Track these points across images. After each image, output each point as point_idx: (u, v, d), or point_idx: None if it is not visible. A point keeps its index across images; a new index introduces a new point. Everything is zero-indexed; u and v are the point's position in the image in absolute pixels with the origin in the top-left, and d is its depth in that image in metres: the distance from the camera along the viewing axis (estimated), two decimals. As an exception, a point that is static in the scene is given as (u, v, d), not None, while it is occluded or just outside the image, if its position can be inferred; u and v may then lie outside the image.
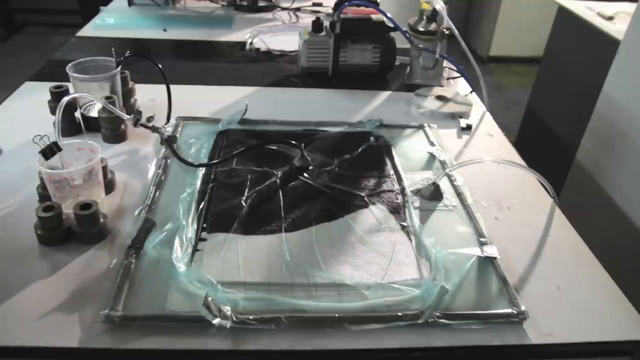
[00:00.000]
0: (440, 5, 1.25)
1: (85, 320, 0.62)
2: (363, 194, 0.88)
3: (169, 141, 0.95)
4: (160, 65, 1.03)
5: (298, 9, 1.86)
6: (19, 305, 0.64)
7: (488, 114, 1.22)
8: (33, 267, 0.70)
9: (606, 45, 1.63)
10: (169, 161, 0.94)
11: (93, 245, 0.74)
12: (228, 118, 1.07)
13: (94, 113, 1.02)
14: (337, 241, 0.78)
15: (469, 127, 1.14)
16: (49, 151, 0.75)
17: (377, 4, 1.31)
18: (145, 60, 1.03)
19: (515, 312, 0.66)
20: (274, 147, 0.99)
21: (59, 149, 0.76)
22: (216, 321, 0.61)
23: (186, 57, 1.49)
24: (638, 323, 0.68)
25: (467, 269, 0.73)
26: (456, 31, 1.26)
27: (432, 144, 1.05)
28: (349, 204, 0.86)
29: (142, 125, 0.97)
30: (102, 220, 0.75)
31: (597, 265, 0.78)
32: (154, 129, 0.96)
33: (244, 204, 0.84)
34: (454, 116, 1.18)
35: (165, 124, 1.03)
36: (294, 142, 0.95)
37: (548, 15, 2.27)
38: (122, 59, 1.02)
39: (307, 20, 1.73)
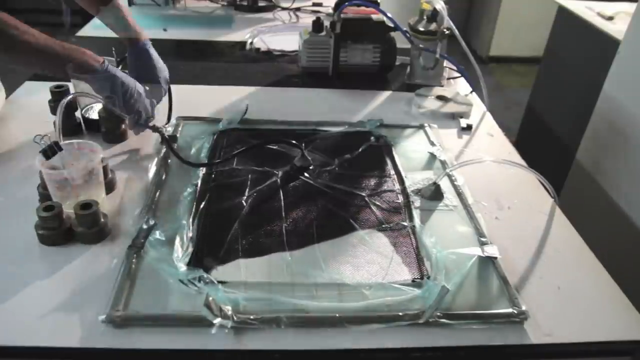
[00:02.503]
0: (440, 5, 1.25)
1: (85, 320, 0.62)
2: (364, 194, 0.88)
3: (170, 141, 0.95)
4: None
5: (298, 9, 1.86)
6: (19, 305, 0.64)
7: (488, 114, 1.22)
8: (33, 267, 0.70)
9: (606, 45, 1.63)
10: (169, 161, 0.94)
11: (93, 245, 0.74)
12: (228, 118, 1.07)
13: (94, 115, 1.02)
14: (338, 241, 0.78)
15: (469, 127, 1.14)
16: (50, 151, 0.75)
17: (378, 4, 1.31)
18: (146, 60, 1.03)
19: (515, 312, 0.67)
20: (275, 147, 0.99)
21: (60, 149, 0.76)
22: (217, 321, 0.61)
23: (186, 57, 1.49)
24: (638, 323, 0.68)
25: (468, 268, 0.73)
26: (456, 31, 1.26)
27: (432, 143, 1.05)
28: (349, 203, 0.86)
29: (142, 125, 0.96)
30: (102, 220, 0.75)
31: (598, 265, 0.78)
32: (155, 129, 0.96)
33: (245, 204, 0.84)
34: (454, 116, 1.18)
35: (166, 124, 1.03)
36: (294, 142, 0.95)
37: (548, 15, 2.27)
38: (121, 59, 1.02)
39: (307, 20, 1.73)
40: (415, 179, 0.93)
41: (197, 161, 0.94)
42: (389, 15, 1.29)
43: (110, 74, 0.88)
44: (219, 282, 0.67)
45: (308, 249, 0.76)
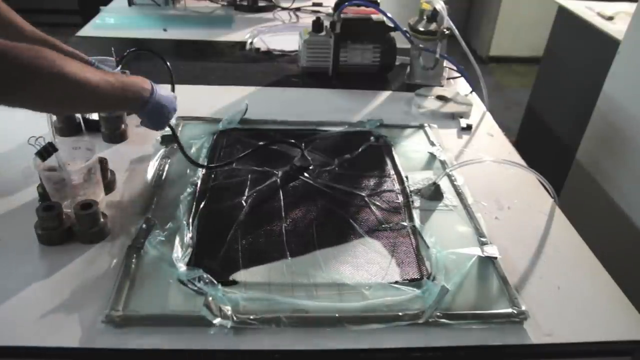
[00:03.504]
0: (440, 5, 1.25)
1: (85, 320, 0.62)
2: (363, 194, 0.88)
3: (179, 140, 0.93)
4: (168, 63, 1.02)
5: (298, 9, 1.86)
6: (19, 305, 0.64)
7: (488, 114, 1.22)
8: (33, 267, 0.70)
9: (606, 45, 1.63)
10: (169, 161, 0.94)
11: (93, 245, 0.74)
12: (228, 118, 1.07)
13: (94, 115, 1.02)
14: (338, 241, 0.78)
15: (469, 127, 1.14)
16: (45, 152, 0.74)
17: (378, 4, 1.31)
18: (146, 59, 1.03)
19: (515, 312, 0.66)
20: (275, 147, 0.99)
21: (55, 149, 0.76)
22: (217, 321, 0.61)
23: (186, 57, 1.49)
24: (638, 323, 0.68)
25: (468, 268, 0.73)
26: (456, 31, 1.26)
27: (432, 143, 1.05)
28: (349, 203, 0.86)
29: None
30: (102, 220, 0.75)
31: (598, 265, 0.78)
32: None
33: (245, 204, 0.84)
34: (454, 116, 1.18)
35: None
36: (294, 142, 0.95)
37: (548, 15, 2.27)
38: (120, 58, 1.02)
39: (307, 20, 1.73)
40: (415, 179, 0.93)
41: (197, 161, 0.94)
42: (389, 15, 1.29)
43: (149, 111, 0.80)
44: (219, 282, 0.67)
45: (308, 249, 0.76)
